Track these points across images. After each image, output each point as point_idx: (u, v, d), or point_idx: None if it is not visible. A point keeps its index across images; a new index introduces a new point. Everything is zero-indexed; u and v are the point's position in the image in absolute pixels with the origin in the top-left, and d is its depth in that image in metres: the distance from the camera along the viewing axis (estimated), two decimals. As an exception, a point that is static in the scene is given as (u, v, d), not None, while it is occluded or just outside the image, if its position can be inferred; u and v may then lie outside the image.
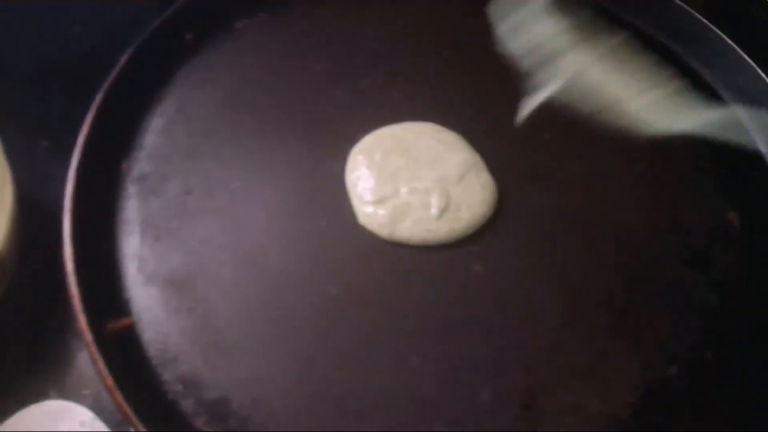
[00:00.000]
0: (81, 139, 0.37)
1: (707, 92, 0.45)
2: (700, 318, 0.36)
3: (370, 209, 0.38)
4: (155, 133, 0.41)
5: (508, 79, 0.43)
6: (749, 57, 0.44)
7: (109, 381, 0.30)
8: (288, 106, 0.42)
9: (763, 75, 0.43)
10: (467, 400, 0.32)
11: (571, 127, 0.41)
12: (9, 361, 0.44)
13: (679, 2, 0.47)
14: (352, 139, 0.41)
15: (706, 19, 0.45)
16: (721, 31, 0.45)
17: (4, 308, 0.45)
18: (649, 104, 0.41)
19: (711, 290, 0.37)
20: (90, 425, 0.43)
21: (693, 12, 0.46)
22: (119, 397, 0.30)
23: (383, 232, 0.37)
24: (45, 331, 0.46)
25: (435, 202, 0.38)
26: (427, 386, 0.33)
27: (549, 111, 0.42)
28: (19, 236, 0.45)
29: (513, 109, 0.42)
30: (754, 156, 0.42)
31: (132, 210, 0.38)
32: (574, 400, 0.33)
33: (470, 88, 0.43)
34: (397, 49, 0.45)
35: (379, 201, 0.38)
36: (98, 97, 0.39)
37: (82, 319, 0.32)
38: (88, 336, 0.31)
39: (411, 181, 0.39)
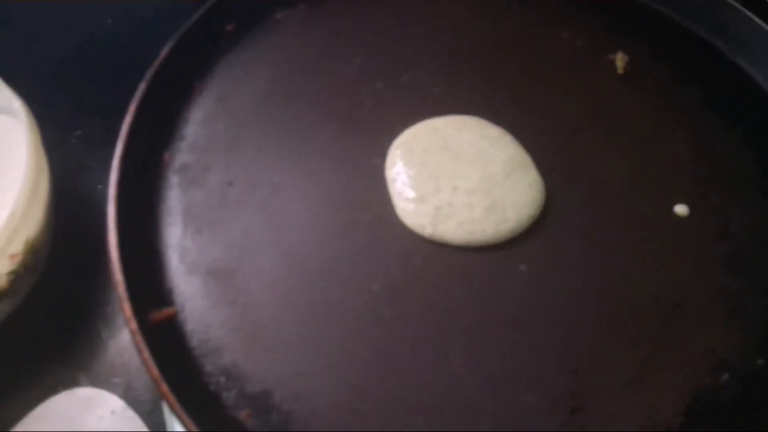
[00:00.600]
0: (125, 128, 0.37)
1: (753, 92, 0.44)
2: (751, 325, 0.35)
3: (410, 207, 0.37)
4: (196, 124, 0.40)
5: (553, 74, 0.43)
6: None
7: (155, 371, 0.30)
8: (328, 99, 0.42)
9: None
10: (512, 403, 0.32)
11: (620, 126, 0.40)
12: (41, 348, 0.45)
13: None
14: (393, 133, 0.40)
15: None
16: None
17: (37, 296, 0.45)
18: None
19: (761, 296, 0.36)
20: (121, 413, 0.44)
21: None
22: (164, 386, 0.30)
23: (425, 231, 0.37)
24: (76, 319, 0.47)
25: (479, 202, 0.37)
26: (471, 387, 0.32)
27: (599, 108, 0.41)
28: (53, 226, 0.45)
29: (559, 104, 0.41)
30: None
31: (174, 200, 0.38)
32: (621, 406, 0.32)
33: (514, 83, 0.43)
34: (438, 43, 0.44)
35: (420, 199, 0.37)
36: (141, 87, 0.39)
37: (127, 307, 0.32)
38: (133, 324, 0.31)
39: (453, 179, 0.38)
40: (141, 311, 0.32)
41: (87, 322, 0.48)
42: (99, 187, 0.54)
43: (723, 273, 0.37)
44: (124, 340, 0.47)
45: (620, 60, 0.44)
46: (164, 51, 0.41)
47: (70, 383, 0.45)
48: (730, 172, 0.40)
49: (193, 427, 0.29)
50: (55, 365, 0.45)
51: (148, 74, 0.39)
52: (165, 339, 0.33)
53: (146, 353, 0.31)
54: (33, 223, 0.42)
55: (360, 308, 0.34)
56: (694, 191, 0.39)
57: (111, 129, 0.38)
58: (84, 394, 0.44)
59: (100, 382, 0.45)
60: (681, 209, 0.38)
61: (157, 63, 0.40)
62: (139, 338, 0.31)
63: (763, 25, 0.44)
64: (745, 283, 0.36)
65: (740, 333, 0.35)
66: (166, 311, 0.34)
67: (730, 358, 0.34)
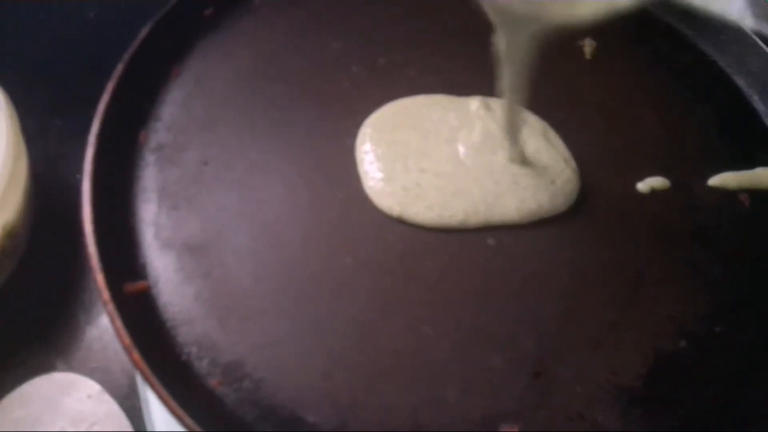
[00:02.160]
0: (101, 107, 0.38)
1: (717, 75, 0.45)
2: (711, 293, 0.36)
3: (377, 186, 0.37)
4: (174, 105, 0.41)
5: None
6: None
7: (126, 339, 0.31)
8: (305, 82, 0.42)
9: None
10: (479, 366, 0.32)
11: (589, 106, 0.42)
12: (18, 333, 0.45)
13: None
14: (368, 114, 0.41)
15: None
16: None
17: (16, 282, 0.45)
18: None
19: (721, 266, 0.37)
20: (97, 397, 0.44)
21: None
22: (136, 354, 0.30)
23: (393, 212, 0.37)
24: (54, 305, 0.47)
25: (447, 186, 0.37)
26: (440, 352, 0.33)
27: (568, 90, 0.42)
28: (31, 212, 0.45)
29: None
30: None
31: (149, 178, 0.38)
32: (584, 369, 0.33)
33: (487, 66, 0.44)
34: (415, 25, 0.45)
35: (387, 179, 0.38)
36: (119, 68, 0.39)
37: (100, 278, 0.32)
38: (106, 294, 0.32)
39: (422, 159, 0.38)
40: (114, 283, 0.33)
41: (65, 308, 0.48)
42: (78, 176, 0.54)
43: (687, 244, 0.38)
44: (102, 327, 0.47)
45: (588, 46, 0.46)
46: (142, 33, 0.41)
47: (47, 368, 0.45)
48: (696, 148, 0.42)
49: (164, 393, 0.29)
50: (33, 350, 0.45)
51: (126, 55, 0.40)
52: (138, 311, 0.33)
53: (118, 322, 0.31)
54: (11, 210, 0.42)
55: (332, 280, 0.35)
56: (661, 166, 0.40)
57: (91, 119, 0.38)
58: (61, 378, 0.44)
59: (78, 367, 0.45)
60: (648, 183, 0.39)
61: (135, 45, 0.41)
62: (111, 307, 0.31)
63: (725, 11, 0.45)
64: (708, 253, 0.37)
65: (700, 301, 0.36)
66: (140, 284, 0.34)
67: (689, 324, 0.35)
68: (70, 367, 0.45)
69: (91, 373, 0.45)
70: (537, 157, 0.39)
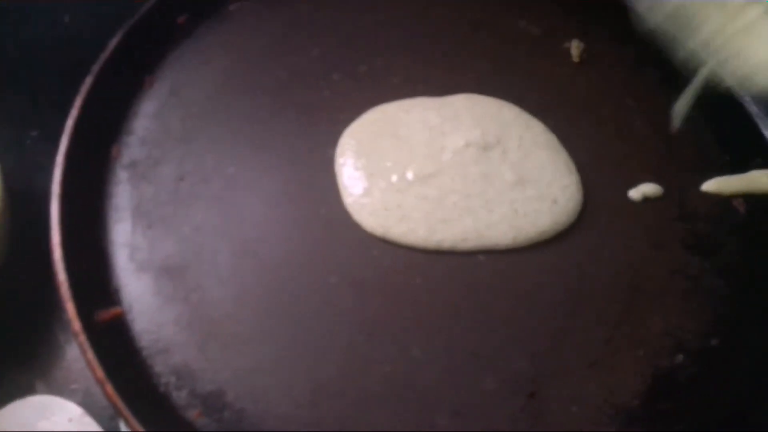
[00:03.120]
0: (70, 122, 0.36)
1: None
2: (706, 305, 0.35)
3: (357, 205, 0.36)
4: (147, 118, 0.39)
5: (512, 62, 0.43)
6: None
7: (99, 372, 0.29)
8: (284, 91, 0.41)
9: None
10: (471, 390, 0.31)
11: (580, 110, 0.41)
12: (-4, 354, 0.43)
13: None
14: (350, 123, 0.40)
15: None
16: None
17: (-9, 299, 0.44)
18: None
19: (717, 277, 0.36)
20: (78, 421, 0.42)
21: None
22: (109, 388, 0.29)
23: (376, 233, 0.35)
24: (33, 324, 0.45)
25: (434, 208, 0.35)
26: (430, 376, 0.32)
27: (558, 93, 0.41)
28: (6, 226, 0.44)
29: (518, 91, 0.41)
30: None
31: (123, 197, 0.36)
32: (579, 389, 0.32)
33: (473, 71, 0.43)
34: (396, 31, 0.44)
35: (368, 197, 0.36)
36: (88, 80, 0.38)
37: (70, 308, 0.30)
38: (77, 325, 0.30)
39: (405, 173, 0.37)
40: (86, 311, 0.31)
41: (44, 326, 0.46)
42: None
43: (681, 254, 0.37)
44: (77, 346, 0.45)
45: (576, 48, 0.44)
46: (112, 43, 0.39)
47: (26, 390, 0.43)
48: (688, 152, 0.41)
49: (139, 428, 0.28)
50: (11, 372, 0.44)
51: (95, 67, 0.38)
52: (112, 339, 0.32)
53: (90, 354, 0.30)
54: (-16, 225, 0.40)
55: (316, 302, 0.34)
56: (653, 172, 0.39)
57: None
58: (39, 401, 0.43)
59: (58, 388, 0.44)
60: (640, 190, 0.38)
61: (104, 56, 0.39)
62: (83, 339, 0.30)
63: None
64: (702, 263, 0.37)
65: (696, 313, 0.35)
66: (114, 311, 0.33)
67: (685, 338, 0.34)
68: (50, 389, 0.44)
69: (72, 395, 0.43)
70: (540, 173, 0.37)
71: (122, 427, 0.40)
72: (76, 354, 0.44)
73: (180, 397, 0.31)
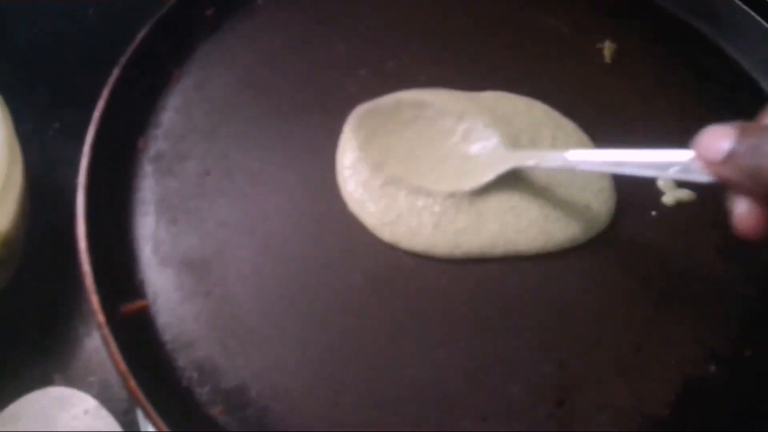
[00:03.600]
0: (97, 114, 0.36)
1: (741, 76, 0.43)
2: (739, 314, 0.34)
3: (360, 204, 0.35)
4: (173, 111, 0.39)
5: (541, 61, 0.42)
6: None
7: (123, 365, 0.29)
8: (311, 87, 0.40)
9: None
10: (497, 396, 0.31)
11: (609, 112, 0.40)
12: (16, 346, 0.43)
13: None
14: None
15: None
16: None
17: (12, 292, 0.44)
18: None
19: (750, 284, 0.35)
20: (94, 413, 0.42)
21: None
22: (132, 382, 0.29)
23: (383, 236, 0.34)
24: (53, 316, 0.45)
25: (438, 207, 0.34)
26: (454, 379, 0.31)
27: (587, 95, 0.40)
28: (28, 218, 0.44)
29: (546, 91, 0.40)
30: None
31: (148, 190, 0.36)
32: (608, 397, 0.31)
33: (501, 70, 0.42)
34: (424, 27, 0.43)
35: (369, 199, 0.35)
36: (115, 72, 0.37)
37: (94, 299, 0.30)
38: (101, 317, 0.30)
39: (418, 178, 0.35)
40: (110, 304, 0.31)
41: (63, 318, 0.46)
42: (77, 181, 0.52)
43: (713, 261, 0.36)
44: (100, 338, 0.45)
45: (608, 49, 0.44)
46: (140, 35, 0.39)
47: (44, 381, 0.43)
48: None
49: (162, 426, 0.27)
50: (30, 363, 0.44)
51: (123, 59, 0.38)
52: (135, 333, 0.31)
53: (113, 347, 0.29)
54: (6, 217, 0.41)
55: (340, 301, 0.33)
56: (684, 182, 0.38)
57: (90, 122, 0.36)
58: (57, 393, 0.43)
59: (76, 380, 0.44)
60: (674, 195, 0.37)
61: (132, 48, 0.39)
62: (107, 331, 0.30)
63: (749, 10, 0.43)
64: (735, 271, 0.36)
65: (728, 322, 0.34)
66: (138, 304, 0.32)
67: (718, 347, 0.33)
68: (67, 381, 0.44)
69: (89, 387, 0.43)
70: (572, 175, 0.36)
71: (140, 420, 0.40)
72: (95, 346, 0.45)
73: (202, 393, 0.30)
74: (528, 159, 0.34)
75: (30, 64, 0.57)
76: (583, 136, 0.39)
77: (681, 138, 0.40)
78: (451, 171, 0.36)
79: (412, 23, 0.44)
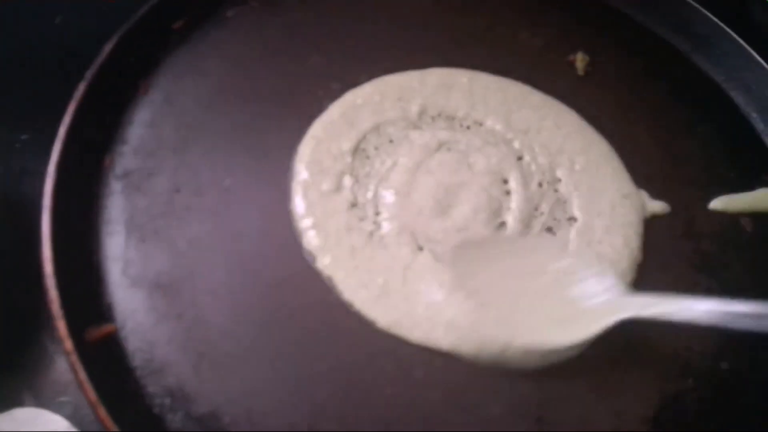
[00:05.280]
0: (62, 131, 0.35)
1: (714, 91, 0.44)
2: (715, 327, 0.34)
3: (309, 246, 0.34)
4: (141, 126, 0.38)
5: (516, 75, 0.42)
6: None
7: (92, 394, 0.28)
8: (282, 100, 0.40)
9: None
10: (477, 414, 0.30)
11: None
12: (-18, 364, 0.42)
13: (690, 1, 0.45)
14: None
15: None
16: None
17: (-22, 309, 0.42)
18: None
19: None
20: (63, 433, 0.41)
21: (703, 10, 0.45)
22: (102, 411, 0.28)
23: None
24: (21, 333, 0.44)
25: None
26: (434, 399, 0.31)
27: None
28: (-5, 232, 0.42)
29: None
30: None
31: (116, 208, 0.35)
32: (587, 413, 0.31)
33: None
34: (396, 41, 0.43)
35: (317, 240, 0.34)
36: (80, 87, 0.36)
37: (62, 326, 0.29)
38: (69, 344, 0.29)
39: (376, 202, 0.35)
40: (78, 329, 0.30)
41: (32, 335, 0.45)
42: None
43: (687, 272, 0.36)
44: (68, 365, 0.44)
45: (581, 60, 0.44)
46: (107, 48, 0.38)
47: (13, 401, 0.42)
48: (695, 169, 0.40)
49: (133, 455, 0.27)
50: (-1, 383, 0.42)
51: (89, 73, 0.37)
52: (104, 358, 0.30)
53: (82, 375, 0.28)
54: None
55: (315, 321, 0.32)
56: (660, 189, 0.39)
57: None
58: (24, 414, 0.41)
59: (46, 400, 0.42)
60: (647, 207, 0.38)
61: (98, 61, 0.38)
62: (75, 359, 0.29)
63: (722, 24, 0.44)
64: (709, 282, 0.36)
65: (705, 336, 0.34)
66: (106, 328, 0.31)
67: (694, 361, 0.33)
68: (38, 401, 0.42)
69: (60, 407, 0.42)
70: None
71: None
72: (66, 365, 0.43)
73: (175, 420, 0.30)
74: (648, 307, 0.30)
75: (-3, 73, 0.55)
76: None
77: (656, 152, 0.40)
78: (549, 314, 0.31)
79: (385, 36, 0.43)
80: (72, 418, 0.41)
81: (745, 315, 0.28)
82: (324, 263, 0.34)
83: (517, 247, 0.34)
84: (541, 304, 0.31)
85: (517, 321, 0.31)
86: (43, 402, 0.42)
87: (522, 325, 0.31)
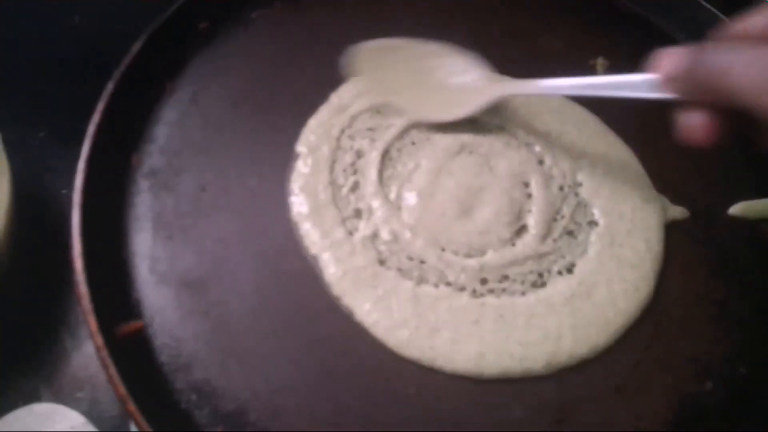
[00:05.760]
0: (91, 129, 0.35)
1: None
2: (734, 331, 0.35)
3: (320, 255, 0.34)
4: (168, 126, 0.39)
5: (537, 75, 0.42)
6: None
7: (122, 389, 0.28)
8: (306, 100, 0.40)
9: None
10: (498, 416, 0.31)
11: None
12: (1, 359, 0.42)
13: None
14: (374, 137, 0.39)
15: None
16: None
17: (-2, 304, 0.43)
18: None
19: (743, 302, 0.36)
20: (81, 430, 0.41)
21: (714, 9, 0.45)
22: (132, 405, 0.28)
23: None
24: (38, 329, 0.44)
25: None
26: (456, 400, 0.31)
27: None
28: (14, 229, 0.43)
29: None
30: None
31: (143, 206, 0.36)
32: (607, 415, 0.31)
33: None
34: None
35: (329, 246, 0.34)
36: (109, 86, 0.37)
37: (92, 321, 0.30)
38: (99, 339, 0.29)
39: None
40: (107, 325, 0.30)
41: (50, 331, 0.45)
42: (64, 191, 0.51)
43: (707, 278, 0.36)
44: (89, 352, 0.44)
45: (600, 65, 0.44)
46: (134, 48, 0.39)
47: (31, 397, 0.42)
48: (716, 175, 0.40)
49: (163, 449, 0.27)
50: (16, 377, 0.43)
51: (117, 72, 0.37)
52: (133, 354, 0.31)
53: (112, 370, 0.29)
54: (-7, 228, 0.40)
55: (340, 319, 0.33)
56: (680, 195, 0.39)
57: (77, 130, 0.35)
58: (42, 409, 0.42)
59: (63, 395, 0.43)
60: (667, 213, 0.38)
61: (126, 61, 0.38)
62: (105, 354, 0.29)
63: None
64: (728, 288, 0.36)
65: (724, 339, 0.34)
66: (134, 324, 0.32)
67: (713, 365, 0.34)
68: (55, 396, 0.43)
69: (77, 403, 0.43)
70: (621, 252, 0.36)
71: (131, 438, 0.40)
72: (83, 361, 0.44)
73: (202, 415, 0.30)
74: (508, 88, 0.38)
75: (13, 72, 0.56)
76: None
77: (676, 156, 0.40)
78: (443, 101, 0.39)
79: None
80: (88, 413, 0.41)
81: (604, 85, 0.35)
82: None
83: (417, 51, 0.41)
84: (433, 93, 0.40)
85: (416, 105, 0.39)
86: (60, 398, 0.42)
87: (420, 108, 0.39)
